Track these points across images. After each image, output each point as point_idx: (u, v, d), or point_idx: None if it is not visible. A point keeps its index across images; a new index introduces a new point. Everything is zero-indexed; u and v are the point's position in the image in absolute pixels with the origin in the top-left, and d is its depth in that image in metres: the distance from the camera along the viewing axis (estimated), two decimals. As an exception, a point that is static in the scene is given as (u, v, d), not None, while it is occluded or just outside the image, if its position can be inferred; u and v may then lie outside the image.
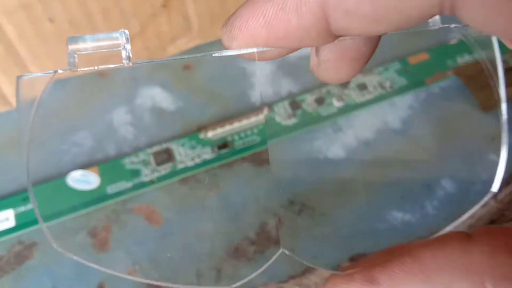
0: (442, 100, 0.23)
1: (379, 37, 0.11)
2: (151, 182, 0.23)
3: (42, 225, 0.13)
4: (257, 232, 0.21)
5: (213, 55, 0.10)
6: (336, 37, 0.10)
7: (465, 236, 0.09)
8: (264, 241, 0.21)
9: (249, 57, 0.10)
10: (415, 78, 0.25)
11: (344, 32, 0.09)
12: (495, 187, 0.11)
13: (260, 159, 0.23)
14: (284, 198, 0.22)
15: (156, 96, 0.26)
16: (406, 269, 0.08)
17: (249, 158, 0.23)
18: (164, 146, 0.24)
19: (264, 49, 0.10)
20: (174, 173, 0.23)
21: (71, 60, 0.10)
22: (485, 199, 0.12)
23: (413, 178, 0.21)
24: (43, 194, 0.22)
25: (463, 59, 0.25)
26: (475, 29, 0.08)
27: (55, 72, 0.10)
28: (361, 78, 0.26)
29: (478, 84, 0.22)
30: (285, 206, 0.22)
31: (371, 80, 0.26)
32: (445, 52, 0.26)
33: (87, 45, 0.10)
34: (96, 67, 0.10)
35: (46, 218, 0.21)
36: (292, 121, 0.25)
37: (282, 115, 0.25)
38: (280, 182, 0.23)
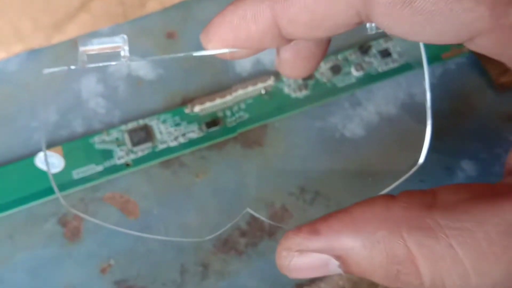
0: (458, 76, 0.24)
1: (328, 41, 0.15)
2: (126, 165, 0.21)
3: (59, 195, 0.15)
4: (248, 222, 0.20)
5: (193, 54, 0.14)
6: (290, 40, 0.13)
7: (389, 197, 0.12)
8: (257, 232, 0.20)
9: (223, 57, 0.13)
10: (433, 52, 0.24)
11: (292, 36, 0.13)
12: (421, 159, 0.14)
13: (256, 140, 0.22)
14: (290, 184, 0.21)
15: (133, 62, 0.24)
16: (341, 221, 0.11)
17: (243, 138, 0.22)
18: (141, 122, 0.22)
19: (234, 50, 0.13)
20: (153, 155, 0.22)
21: (82, 58, 0.13)
22: (413, 170, 0.14)
23: (434, 160, 0.21)
24: (10, 176, 0.20)
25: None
26: (388, 33, 0.12)
27: (69, 67, 0.14)
28: (383, 44, 0.24)
29: (493, 62, 0.22)
30: (295, 194, 0.21)
31: (396, 45, 0.24)
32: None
33: (94, 47, 0.13)
34: (100, 64, 0.13)
35: (13, 204, 0.20)
36: (303, 93, 0.23)
37: (292, 86, 0.23)
38: (288, 166, 0.22)
